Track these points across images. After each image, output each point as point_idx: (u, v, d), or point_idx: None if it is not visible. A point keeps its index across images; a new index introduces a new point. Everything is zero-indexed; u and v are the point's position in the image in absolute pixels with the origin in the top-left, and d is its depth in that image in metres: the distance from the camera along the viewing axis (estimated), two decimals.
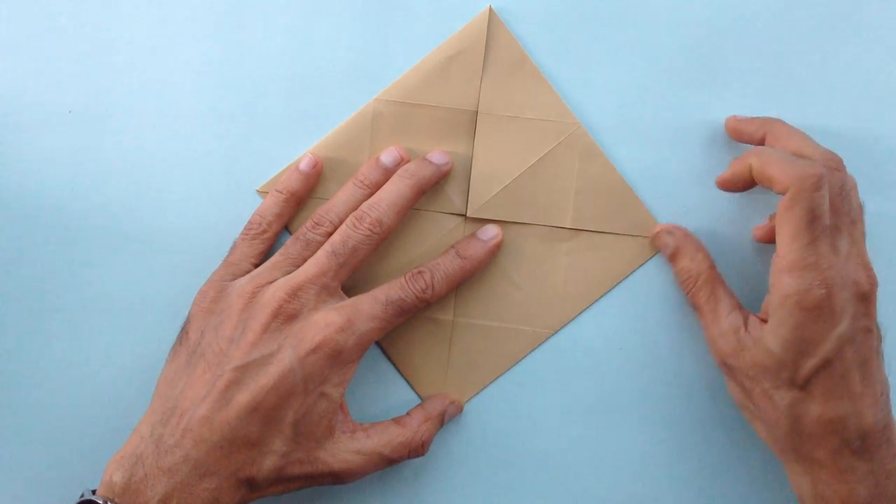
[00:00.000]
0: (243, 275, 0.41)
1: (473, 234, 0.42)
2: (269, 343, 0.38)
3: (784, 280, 0.37)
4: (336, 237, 0.39)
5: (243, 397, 0.37)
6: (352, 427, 0.40)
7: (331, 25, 0.43)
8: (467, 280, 0.42)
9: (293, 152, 0.43)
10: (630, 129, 0.43)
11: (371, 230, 0.39)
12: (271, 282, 0.39)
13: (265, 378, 0.37)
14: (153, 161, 0.43)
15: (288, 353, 0.37)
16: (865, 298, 0.37)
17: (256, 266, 0.41)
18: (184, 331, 0.40)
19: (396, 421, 0.41)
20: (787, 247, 0.37)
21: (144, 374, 0.43)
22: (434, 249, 0.43)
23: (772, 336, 0.37)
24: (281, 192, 0.42)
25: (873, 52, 0.43)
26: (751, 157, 0.39)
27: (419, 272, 0.40)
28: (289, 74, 0.43)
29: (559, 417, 0.44)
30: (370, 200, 0.40)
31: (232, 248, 0.42)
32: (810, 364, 0.37)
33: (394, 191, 0.40)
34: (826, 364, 0.36)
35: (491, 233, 0.42)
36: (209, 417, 0.37)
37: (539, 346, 0.43)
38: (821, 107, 0.43)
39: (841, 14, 0.43)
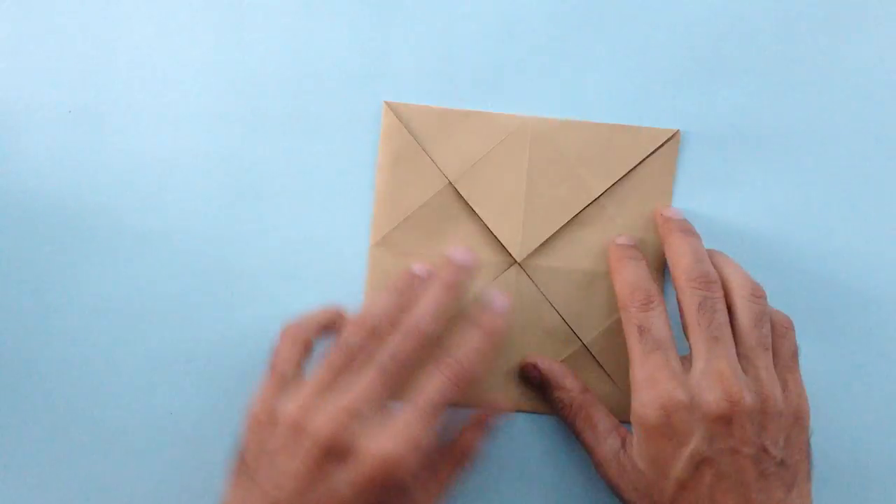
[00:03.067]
0: (290, 385, 0.39)
1: (487, 305, 0.41)
2: (323, 480, 0.36)
3: (633, 395, 0.38)
4: (384, 353, 0.38)
5: None
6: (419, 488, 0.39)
7: (331, 25, 0.43)
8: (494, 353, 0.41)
9: (293, 152, 0.43)
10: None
11: (418, 342, 0.38)
12: (317, 398, 0.37)
13: None
14: (153, 161, 0.43)
15: (344, 489, 0.36)
16: (723, 420, 0.36)
17: (299, 370, 0.39)
18: (240, 455, 0.39)
19: (440, 451, 0.41)
20: (631, 358, 0.39)
21: (144, 375, 0.43)
22: (518, 309, 0.43)
23: (637, 456, 0.38)
24: (323, 309, 0.41)
25: (873, 52, 0.43)
26: (611, 265, 0.41)
27: (450, 358, 0.39)
28: (289, 74, 0.43)
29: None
30: (413, 312, 0.39)
31: (274, 352, 0.40)
32: (669, 486, 0.36)
33: (434, 301, 0.40)
34: (682, 486, 0.36)
35: (502, 303, 0.41)
36: None
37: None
38: (821, 107, 0.43)
39: (841, 14, 0.43)
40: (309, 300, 0.43)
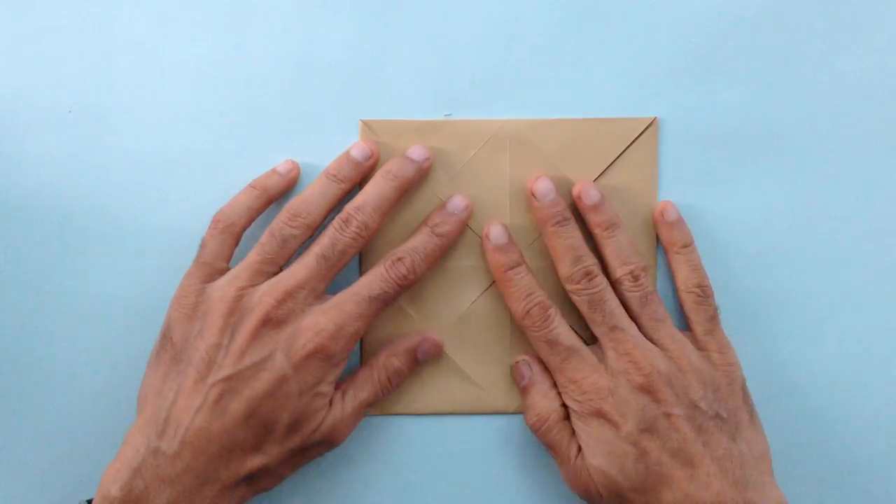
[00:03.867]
0: (219, 275, 0.40)
1: (443, 208, 0.42)
2: (259, 350, 0.38)
3: (564, 400, 0.41)
4: (324, 240, 0.39)
5: (238, 406, 0.37)
6: (337, 395, 0.40)
7: (331, 25, 0.43)
8: (442, 257, 0.42)
9: (293, 152, 0.43)
10: None
11: (358, 233, 0.39)
12: (254, 284, 0.39)
13: (259, 385, 0.37)
14: (153, 161, 0.43)
15: (280, 359, 0.37)
16: (645, 390, 0.38)
17: (228, 264, 0.41)
18: (165, 336, 0.40)
19: (365, 363, 0.42)
20: (552, 371, 0.42)
21: (143, 375, 0.43)
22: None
23: (591, 457, 0.39)
24: (254, 188, 0.42)
25: (873, 52, 0.43)
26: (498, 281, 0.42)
27: (399, 259, 0.40)
28: (289, 74, 0.43)
29: None
30: (354, 202, 0.40)
31: (202, 245, 0.41)
32: (629, 467, 0.38)
33: (378, 193, 0.40)
34: (637, 461, 0.38)
35: (461, 204, 0.42)
36: (206, 428, 0.37)
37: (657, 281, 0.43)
38: (821, 107, 0.43)
39: (841, 14, 0.43)
40: None
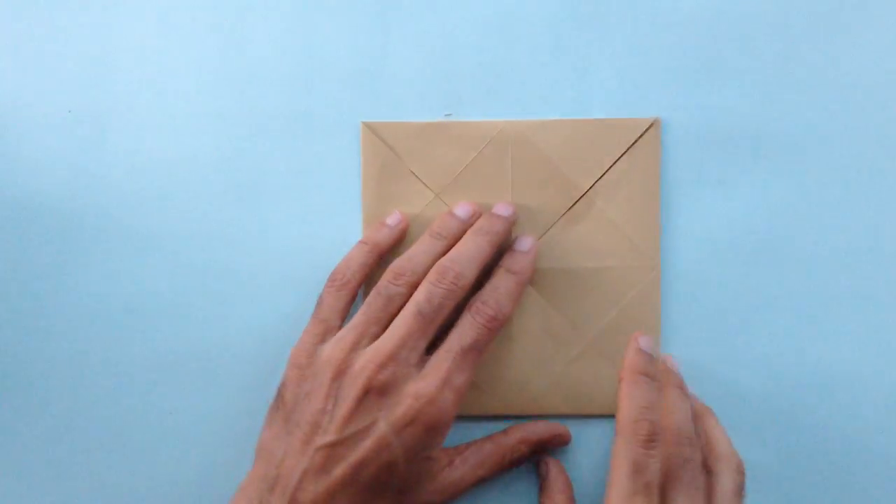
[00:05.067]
0: (333, 332, 0.40)
1: (513, 249, 0.42)
2: (363, 418, 0.37)
3: None
4: (420, 296, 0.39)
5: (342, 471, 0.37)
6: (448, 458, 0.40)
7: (331, 25, 0.43)
8: (522, 293, 0.42)
9: (293, 152, 0.43)
10: None
11: (454, 283, 0.39)
12: (359, 345, 0.39)
13: (363, 452, 0.37)
14: (153, 161, 0.43)
15: (382, 426, 0.37)
16: None
17: (343, 321, 0.41)
18: (279, 395, 0.40)
19: (491, 438, 0.42)
20: (611, 490, 0.38)
21: (144, 375, 0.43)
22: (515, 313, 0.43)
23: None
24: (366, 244, 0.42)
25: (873, 51, 0.43)
26: (624, 376, 0.41)
27: (483, 302, 0.40)
28: (289, 74, 0.43)
29: None
30: (449, 255, 0.40)
31: (318, 301, 0.41)
32: None
33: (472, 246, 0.40)
34: None
35: (528, 243, 0.42)
36: (312, 490, 0.37)
37: (660, 284, 0.43)
38: (821, 107, 0.43)
39: (841, 14, 0.43)
40: (308, 301, 0.43)
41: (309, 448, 0.37)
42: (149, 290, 0.43)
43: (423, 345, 0.39)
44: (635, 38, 0.43)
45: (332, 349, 0.39)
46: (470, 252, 0.40)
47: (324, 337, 0.40)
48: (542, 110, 0.43)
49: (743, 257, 0.44)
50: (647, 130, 0.43)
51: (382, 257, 0.42)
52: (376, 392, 0.38)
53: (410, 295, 0.40)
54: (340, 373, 0.38)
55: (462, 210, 0.42)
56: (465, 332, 0.39)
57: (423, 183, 0.43)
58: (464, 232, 0.42)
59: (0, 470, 0.43)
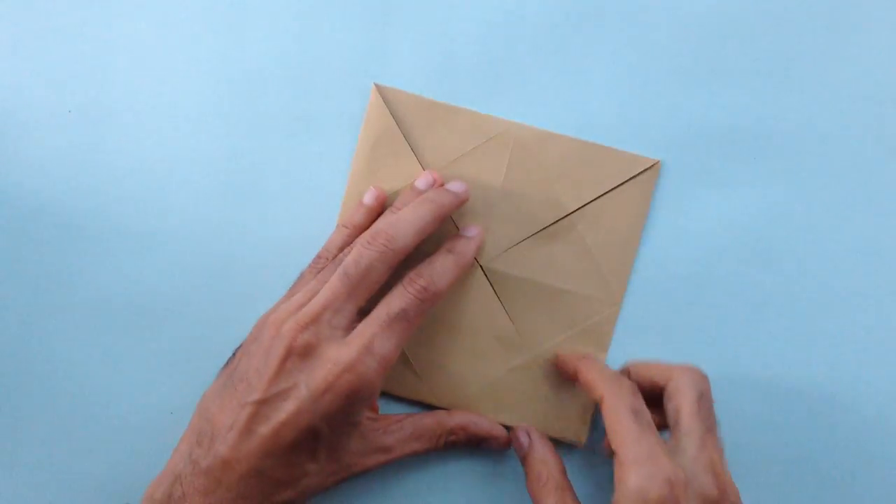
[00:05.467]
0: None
1: (458, 234, 0.42)
2: (286, 378, 0.37)
3: (626, 475, 0.36)
4: (348, 258, 0.38)
5: (265, 430, 0.37)
6: (385, 424, 0.41)
7: (331, 25, 0.43)
8: (460, 279, 0.42)
9: (293, 152, 0.43)
10: (630, 129, 0.43)
11: (386, 246, 0.38)
12: (303, 305, 0.38)
13: (283, 414, 0.37)
14: (153, 161, 0.43)
15: (303, 390, 0.37)
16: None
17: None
18: (233, 353, 0.41)
19: (433, 414, 0.42)
20: (620, 442, 0.37)
21: (144, 374, 0.44)
22: (474, 311, 0.43)
23: None
24: (346, 227, 0.42)
25: (873, 51, 0.43)
26: (578, 363, 0.41)
27: (416, 274, 0.39)
28: (289, 74, 0.43)
29: None
30: (387, 219, 0.39)
31: (298, 278, 0.42)
32: None
33: (412, 212, 0.39)
34: None
35: (474, 230, 0.42)
36: (236, 448, 0.37)
37: (616, 321, 0.43)
38: (820, 107, 0.43)
39: (841, 14, 0.43)
40: None
41: (237, 404, 0.37)
42: (149, 289, 0.43)
43: (351, 307, 0.38)
44: (634, 37, 0.43)
45: (279, 311, 0.39)
46: (408, 218, 0.39)
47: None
48: (543, 110, 0.43)
49: (741, 257, 0.44)
50: (645, 170, 0.43)
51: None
52: (298, 354, 0.37)
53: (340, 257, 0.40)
54: (275, 335, 0.38)
55: (422, 181, 0.42)
56: (393, 300, 0.38)
57: (417, 158, 0.43)
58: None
59: (0, 470, 0.43)
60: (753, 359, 0.43)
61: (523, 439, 0.42)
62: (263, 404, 0.37)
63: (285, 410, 0.37)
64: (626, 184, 0.43)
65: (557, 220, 0.43)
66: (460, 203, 0.42)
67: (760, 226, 0.44)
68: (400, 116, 0.43)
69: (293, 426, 0.37)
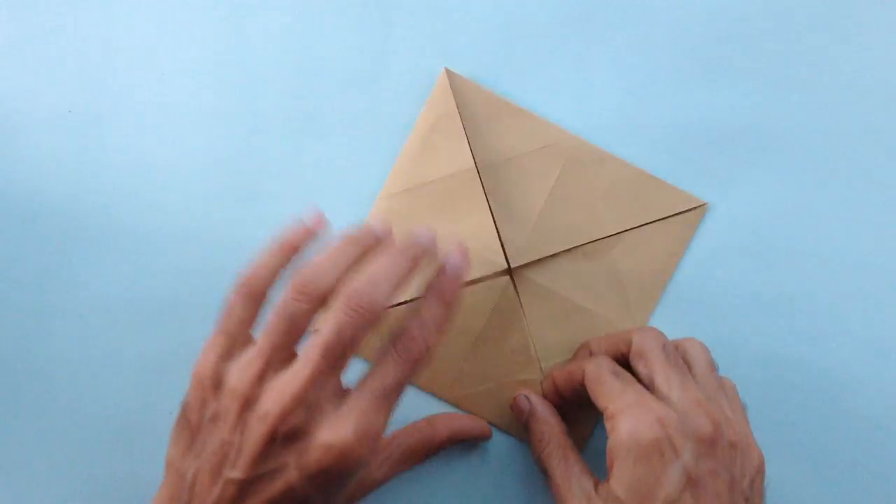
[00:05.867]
0: (239, 347, 0.36)
1: (443, 271, 0.37)
2: (273, 460, 0.35)
3: (616, 423, 0.36)
4: (327, 330, 0.34)
5: (254, 502, 0.35)
6: (371, 458, 0.39)
7: (331, 25, 0.43)
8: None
9: (293, 152, 0.43)
10: (630, 129, 0.43)
11: (369, 311, 0.34)
12: (264, 373, 0.35)
13: (274, 492, 0.35)
14: (153, 161, 0.43)
15: (293, 472, 0.35)
16: (708, 442, 0.36)
17: (251, 329, 0.37)
18: (184, 413, 0.37)
19: (417, 431, 0.42)
20: (607, 398, 0.37)
21: (144, 375, 0.43)
22: (494, 317, 0.43)
23: (617, 485, 0.36)
24: (278, 246, 0.37)
25: (873, 51, 0.43)
26: (553, 372, 0.42)
27: (410, 340, 0.36)
28: (289, 74, 0.43)
29: None
30: (362, 276, 0.35)
31: (224, 311, 0.37)
32: None
33: (391, 266, 0.36)
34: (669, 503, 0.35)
35: (458, 261, 0.38)
36: None
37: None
38: (821, 107, 0.43)
39: (841, 14, 0.43)
40: None
41: (219, 479, 0.35)
42: (149, 290, 0.43)
43: (335, 380, 0.35)
44: (634, 37, 0.43)
45: (239, 377, 0.35)
46: (387, 276, 0.35)
47: (230, 352, 0.36)
48: (543, 110, 0.43)
49: (741, 257, 0.44)
50: (692, 209, 0.43)
51: (295, 260, 0.38)
52: (284, 437, 0.34)
53: (315, 311, 0.35)
54: (246, 405, 0.35)
55: (378, 227, 0.38)
56: (387, 372, 0.35)
57: (471, 149, 0.43)
58: (380, 244, 0.37)
59: (0, 470, 0.43)
60: (754, 357, 0.43)
61: (524, 405, 0.42)
62: (248, 483, 0.35)
63: (275, 489, 0.35)
64: (670, 219, 0.43)
65: (595, 240, 0.43)
66: (433, 256, 0.38)
67: (761, 225, 0.44)
68: (462, 104, 0.43)
69: (285, 499, 0.35)
